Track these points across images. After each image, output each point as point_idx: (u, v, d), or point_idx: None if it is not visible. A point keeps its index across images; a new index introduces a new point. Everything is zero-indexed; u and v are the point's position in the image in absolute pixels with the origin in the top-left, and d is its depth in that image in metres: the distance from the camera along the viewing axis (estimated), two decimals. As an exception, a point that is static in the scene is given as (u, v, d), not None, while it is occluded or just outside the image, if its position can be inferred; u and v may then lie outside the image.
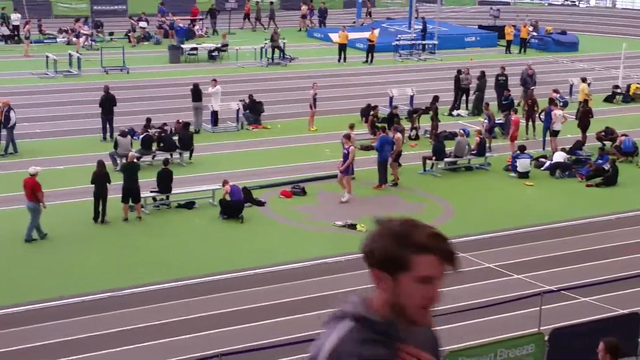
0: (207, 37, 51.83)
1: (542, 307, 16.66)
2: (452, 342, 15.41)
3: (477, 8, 67.37)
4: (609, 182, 27.63)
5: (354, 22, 58.00)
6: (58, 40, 49.18)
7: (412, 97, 35.43)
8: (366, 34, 47.33)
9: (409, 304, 3.09)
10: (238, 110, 32.72)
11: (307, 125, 32.61)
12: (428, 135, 31.42)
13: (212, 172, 27.07)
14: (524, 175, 27.94)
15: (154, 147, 28.13)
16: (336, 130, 30.21)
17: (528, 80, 37.20)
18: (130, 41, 49.08)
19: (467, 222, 24.02)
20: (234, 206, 23.74)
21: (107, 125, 30.31)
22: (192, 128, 30.27)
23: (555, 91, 34.39)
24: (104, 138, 30.05)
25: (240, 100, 33.42)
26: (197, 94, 32.10)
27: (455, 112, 35.73)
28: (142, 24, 51.26)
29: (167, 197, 24.73)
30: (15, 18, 50.33)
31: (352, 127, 28.41)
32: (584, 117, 31.59)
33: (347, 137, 25.58)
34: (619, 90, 39.46)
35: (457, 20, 60.37)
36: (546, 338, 15.01)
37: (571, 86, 38.65)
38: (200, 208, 24.58)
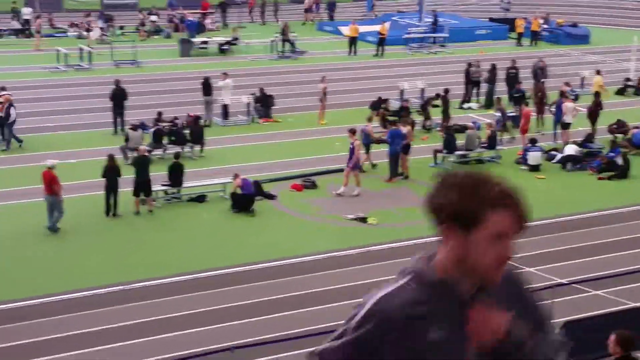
0: (218, 30, 51.84)
1: (554, 300, 16.63)
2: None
3: (488, 0, 67.13)
4: (620, 174, 27.53)
5: (364, 15, 57.90)
6: (69, 34, 49.26)
7: (422, 90, 35.39)
8: (377, 27, 47.27)
9: (481, 262, 2.91)
10: (249, 104, 32.73)
11: (317, 118, 32.60)
12: (439, 129, 31.37)
13: (223, 165, 27.09)
14: (535, 168, 27.87)
15: (165, 140, 28.18)
16: (347, 123, 30.09)
17: (539, 73, 37.08)
18: (140, 35, 49.13)
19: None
20: (245, 199, 23.77)
21: (118, 119, 30.37)
22: (202, 122, 30.32)
23: (567, 84, 34.27)
24: (115, 132, 30.11)
25: (251, 94, 33.42)
26: (207, 87, 32.13)
27: (466, 105, 35.66)
28: (153, 17, 51.32)
29: (179, 191, 24.77)
30: (26, 12, 50.47)
31: (370, 119, 28.42)
32: (594, 109, 31.49)
33: (352, 131, 25.55)
34: (630, 83, 39.29)
35: (467, 13, 60.20)
36: (557, 331, 14.97)
37: (582, 79, 38.52)
38: (211, 201, 24.62)
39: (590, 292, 18.91)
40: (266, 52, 44.85)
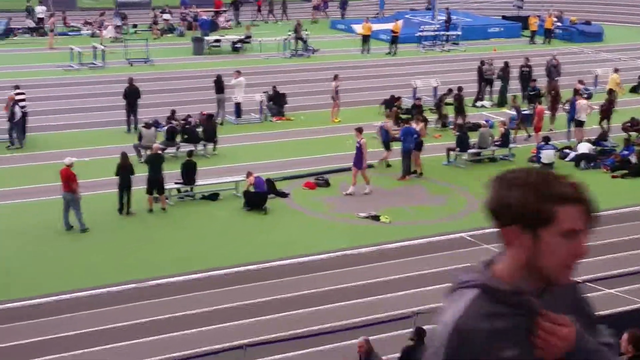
0: (231, 28, 51.89)
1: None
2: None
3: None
4: (634, 172, 27.43)
5: (377, 14, 57.82)
6: (82, 32, 49.41)
7: (435, 88, 35.37)
8: (389, 25, 47.22)
9: (552, 263, 2.75)
10: (261, 102, 32.76)
11: (330, 116, 32.61)
12: (452, 127, 31.35)
13: (235, 163, 27.13)
14: (548, 166, 27.79)
15: (178, 138, 28.24)
16: (359, 121, 30.12)
17: (553, 71, 36.99)
18: (153, 33, 49.21)
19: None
20: (257, 197, 23.81)
21: (132, 117, 30.45)
22: (215, 120, 30.35)
23: (580, 82, 34.16)
24: (129, 130, 30.19)
25: (264, 92, 33.45)
26: (219, 85, 32.17)
27: (479, 103, 35.60)
28: (166, 15, 51.42)
29: (191, 189, 24.83)
30: (40, 10, 50.64)
31: (388, 116, 28.40)
32: (607, 107, 31.39)
33: (359, 130, 25.53)
34: (644, 80, 39.14)
35: (480, 11, 60.07)
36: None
37: (596, 77, 38.40)
38: (224, 199, 24.66)
39: (604, 290, 18.85)
40: (279, 51, 44.86)
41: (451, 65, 43.06)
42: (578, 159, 28.32)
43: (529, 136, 30.58)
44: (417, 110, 30.73)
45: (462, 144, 28.16)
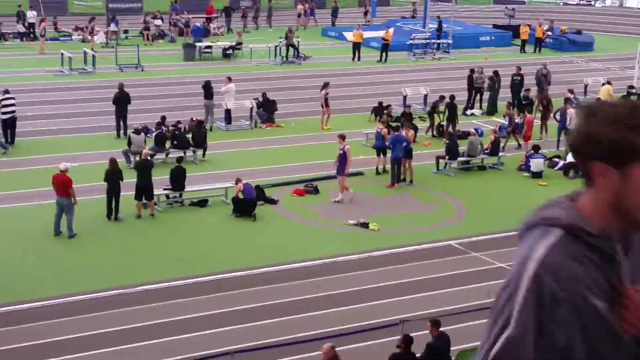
0: (222, 35, 51.91)
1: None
2: (464, 341, 15.42)
3: (492, 7, 67.19)
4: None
5: (368, 21, 57.91)
6: (73, 37, 49.34)
7: (425, 96, 35.45)
8: (380, 33, 47.31)
9: None
10: (252, 109, 32.76)
11: (320, 123, 32.62)
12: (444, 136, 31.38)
13: (225, 170, 27.11)
14: (538, 175, 27.86)
15: (168, 144, 28.21)
16: (349, 129, 30.20)
17: (542, 80, 37.09)
18: (145, 39, 49.18)
19: (479, 222, 24.00)
20: (246, 204, 23.78)
21: (121, 123, 30.39)
22: (205, 126, 30.34)
23: (570, 91, 34.26)
24: (118, 135, 30.14)
25: (254, 99, 33.45)
26: (208, 91, 32.13)
27: (469, 112, 35.67)
28: (157, 21, 51.38)
29: (180, 195, 24.79)
30: (30, 15, 50.51)
31: (384, 122, 28.35)
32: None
33: (342, 137, 25.55)
34: (634, 91, 39.24)
35: (472, 20, 60.25)
36: None
37: (586, 86, 38.53)
38: (213, 206, 24.63)
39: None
40: (270, 57, 44.88)
41: (441, 74, 43.16)
42: (567, 168, 28.37)
43: (519, 145, 30.64)
44: (406, 118, 30.75)
45: (452, 152, 28.20)
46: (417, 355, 15.11)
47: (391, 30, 47.81)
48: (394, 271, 20.62)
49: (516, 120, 31.78)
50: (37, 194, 24.03)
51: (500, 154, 29.17)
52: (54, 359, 16.22)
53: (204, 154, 28.47)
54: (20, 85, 35.79)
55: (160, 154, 27.58)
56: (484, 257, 21.37)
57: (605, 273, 2.51)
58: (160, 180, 24.33)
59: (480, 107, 36.27)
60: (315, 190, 25.83)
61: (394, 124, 29.72)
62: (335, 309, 18.44)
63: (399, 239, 22.61)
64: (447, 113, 32.02)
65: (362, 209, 24.58)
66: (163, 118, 29.61)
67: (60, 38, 49.08)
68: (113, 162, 23.39)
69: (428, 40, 49.15)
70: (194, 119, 30.80)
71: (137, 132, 27.49)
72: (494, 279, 19.82)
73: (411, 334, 15.17)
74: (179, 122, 30.00)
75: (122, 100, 30.43)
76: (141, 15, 53.51)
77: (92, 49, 42.61)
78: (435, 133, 31.95)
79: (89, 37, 47.50)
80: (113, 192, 22.95)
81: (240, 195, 23.84)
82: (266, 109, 33.25)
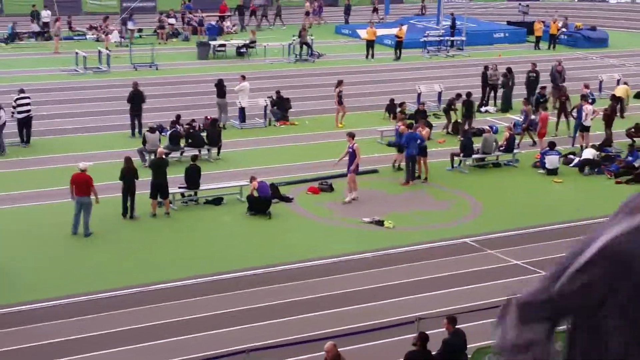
0: (235, 33, 51.97)
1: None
2: (480, 339, 15.39)
3: (506, 4, 67.01)
4: (638, 178, 27.39)
5: (382, 19, 57.85)
6: (87, 37, 49.50)
7: (440, 93, 35.40)
8: (394, 30, 47.27)
9: None
10: (266, 107, 32.79)
11: (334, 121, 32.61)
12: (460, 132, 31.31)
13: (239, 168, 27.14)
14: (553, 172, 27.77)
15: (182, 143, 28.27)
16: (364, 126, 30.22)
17: (557, 77, 36.98)
18: (159, 38, 49.31)
19: (494, 219, 23.95)
20: (261, 202, 23.80)
21: (136, 122, 30.47)
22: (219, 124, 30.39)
23: (586, 86, 34.11)
24: (133, 134, 30.22)
25: (268, 97, 33.48)
26: (221, 89, 32.17)
27: (483, 109, 35.59)
28: (171, 20, 51.49)
29: (195, 193, 24.84)
30: (45, 15, 50.75)
31: (401, 119, 28.24)
32: (610, 113, 31.34)
33: (351, 135, 25.51)
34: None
35: (485, 16, 60.11)
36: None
37: (601, 82, 38.39)
38: (228, 204, 24.66)
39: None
40: (284, 55, 44.90)
41: (455, 71, 43.09)
42: (582, 165, 28.29)
43: (534, 142, 30.53)
44: (420, 115, 30.71)
45: (466, 149, 28.14)
46: (433, 352, 15.11)
47: (405, 27, 47.75)
48: (409, 269, 20.61)
49: (532, 117, 31.67)
50: (54, 193, 24.11)
51: (515, 151, 29.10)
52: (68, 358, 16.27)
53: (218, 152, 28.51)
54: (35, 84, 35.95)
55: (175, 153, 27.65)
56: (500, 254, 21.32)
57: None
58: (175, 178, 24.37)
59: (495, 104, 36.19)
60: (330, 188, 25.83)
61: (408, 122, 29.69)
62: (350, 306, 18.44)
63: (414, 237, 22.58)
64: (464, 110, 31.94)
65: (377, 207, 24.56)
66: (178, 116, 29.69)
67: (75, 37, 49.26)
68: (128, 160, 23.46)
69: (442, 38, 49.08)
70: (209, 117, 30.85)
71: (151, 130, 27.55)
72: (510, 277, 19.81)
73: (427, 332, 15.16)
74: (193, 120, 30.05)
75: (136, 99, 30.50)
76: (155, 14, 53.62)
77: (106, 48, 42.74)
78: (451, 130, 31.90)
79: (103, 36, 47.63)
80: (128, 190, 23.01)
81: (255, 194, 23.86)
82: (280, 107, 33.28)
